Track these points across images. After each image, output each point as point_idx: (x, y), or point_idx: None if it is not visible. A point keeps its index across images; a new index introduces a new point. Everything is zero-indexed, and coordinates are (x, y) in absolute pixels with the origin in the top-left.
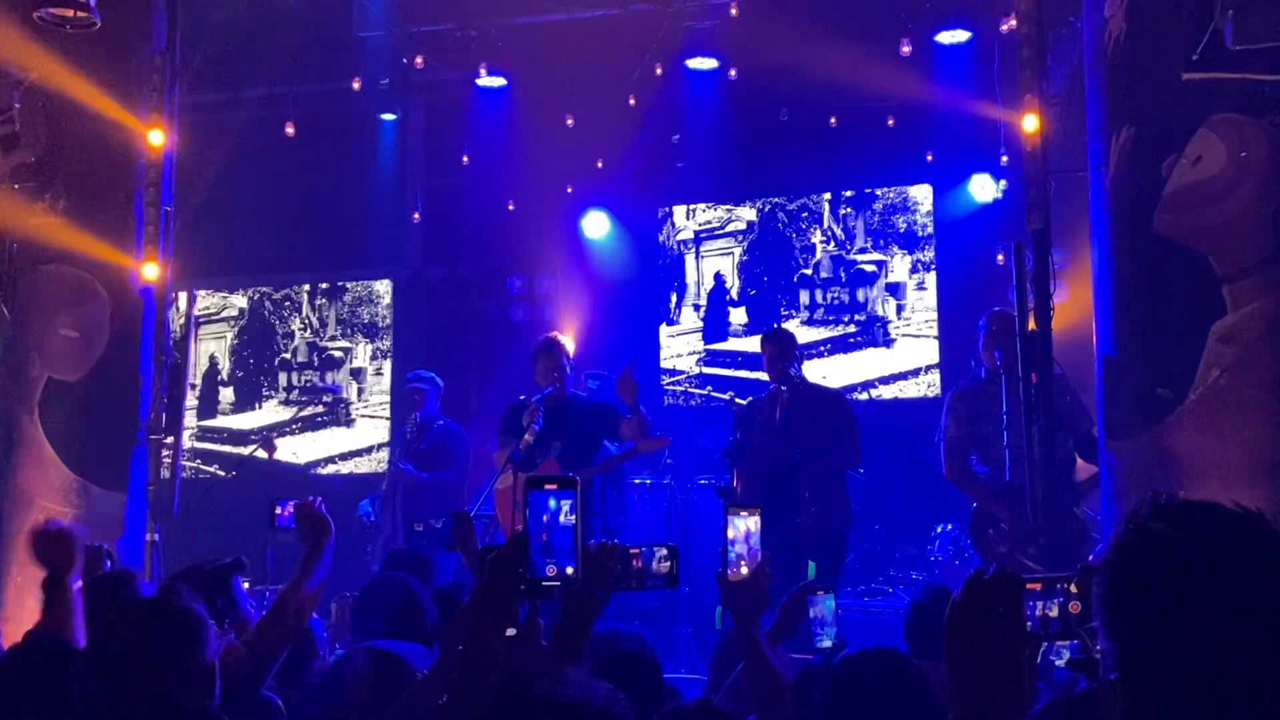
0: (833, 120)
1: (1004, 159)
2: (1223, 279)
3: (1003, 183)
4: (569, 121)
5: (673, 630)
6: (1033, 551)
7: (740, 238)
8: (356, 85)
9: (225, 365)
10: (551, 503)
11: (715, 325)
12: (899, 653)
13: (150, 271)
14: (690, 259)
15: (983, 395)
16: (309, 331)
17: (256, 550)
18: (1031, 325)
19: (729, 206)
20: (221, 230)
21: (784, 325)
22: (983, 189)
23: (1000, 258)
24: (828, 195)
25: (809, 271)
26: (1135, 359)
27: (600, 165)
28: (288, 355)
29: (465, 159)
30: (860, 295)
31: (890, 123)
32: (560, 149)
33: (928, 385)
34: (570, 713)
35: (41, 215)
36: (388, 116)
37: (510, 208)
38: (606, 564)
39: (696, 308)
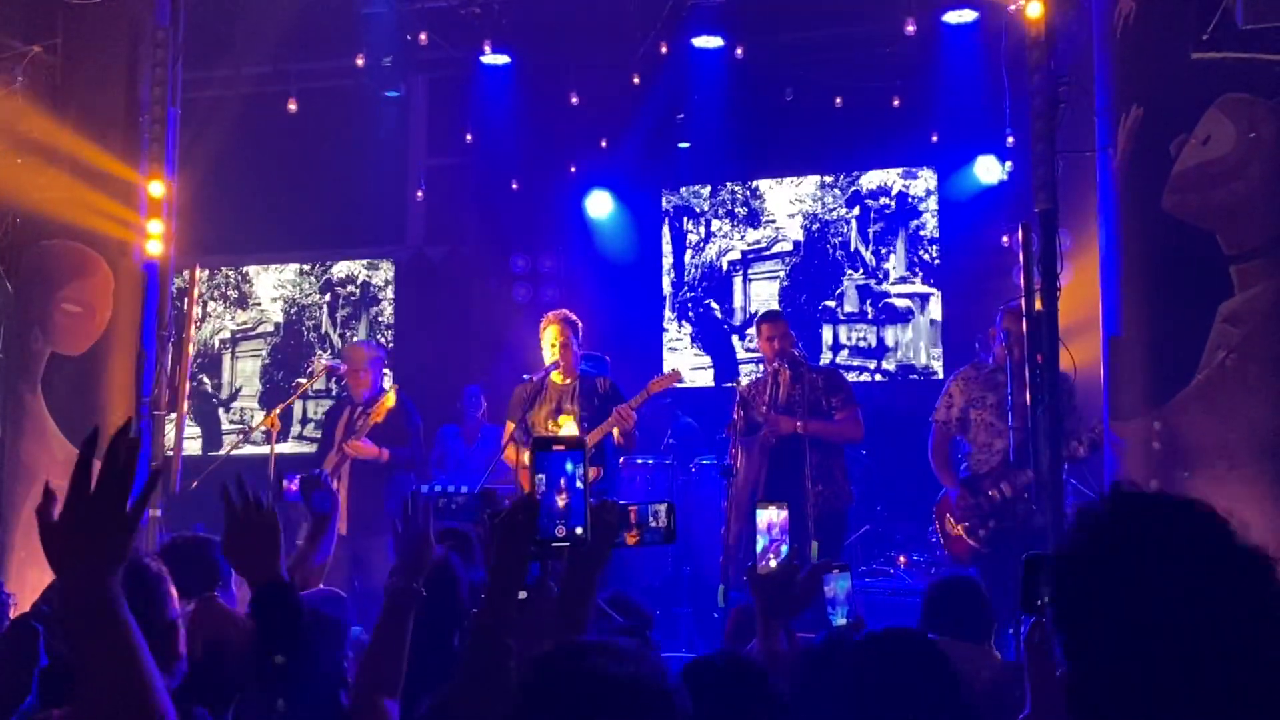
0: (838, 100)
1: (1010, 140)
2: (1230, 259)
3: (1008, 164)
4: (573, 100)
5: (673, 610)
6: (993, 525)
7: (785, 259)
8: (360, 62)
9: (256, 387)
10: (562, 464)
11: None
12: (923, 633)
13: (154, 247)
14: (738, 281)
15: (986, 382)
16: (329, 352)
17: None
18: (1038, 306)
19: (777, 225)
20: (222, 208)
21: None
22: (988, 171)
23: (1005, 239)
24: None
25: (832, 303)
26: (1141, 339)
27: (604, 145)
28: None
29: (468, 137)
30: (890, 337)
31: (896, 103)
32: (564, 128)
33: (893, 334)
34: (622, 689)
35: (45, 189)
36: (391, 94)
37: (514, 186)
38: (606, 519)
39: (742, 334)
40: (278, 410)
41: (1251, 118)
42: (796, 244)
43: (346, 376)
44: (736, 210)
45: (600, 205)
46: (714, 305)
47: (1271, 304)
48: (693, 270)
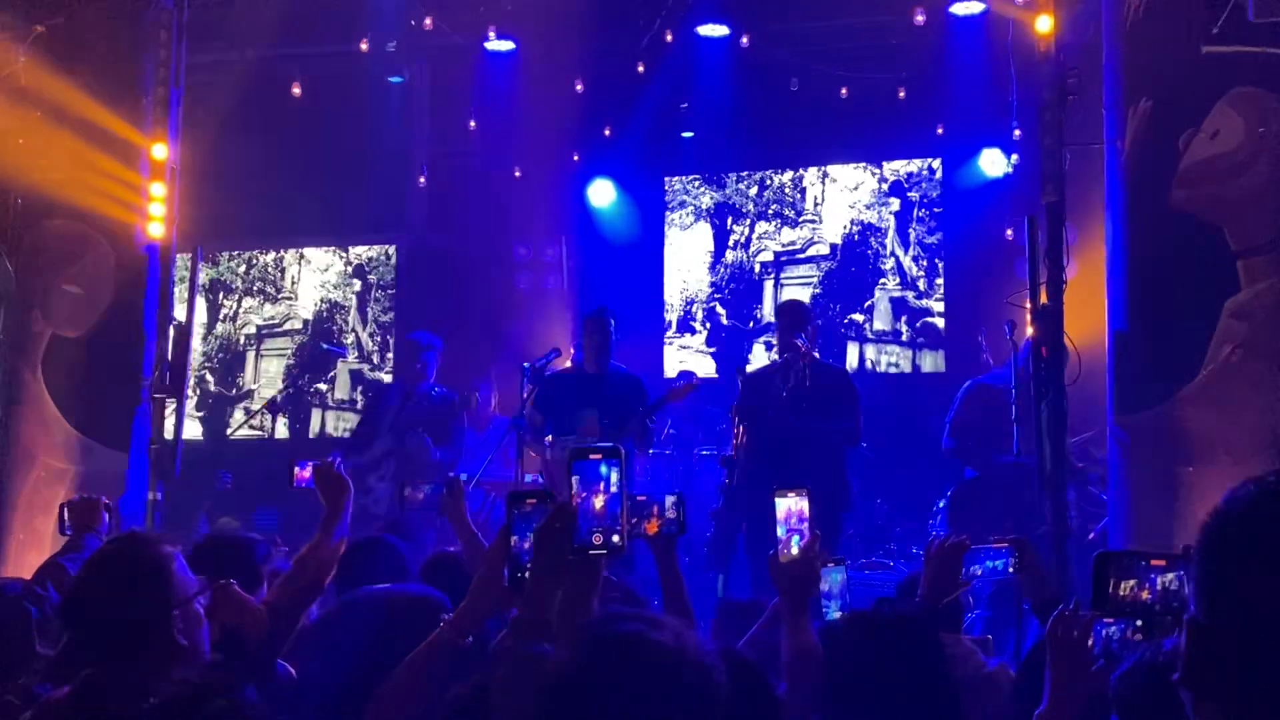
0: (844, 91)
1: (1016, 133)
2: (1237, 254)
3: (1014, 157)
4: (577, 87)
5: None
6: (1009, 525)
7: (820, 264)
8: (364, 46)
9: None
10: (598, 471)
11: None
12: (915, 614)
13: (155, 230)
14: (769, 285)
15: (1006, 392)
16: (357, 356)
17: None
18: (1043, 300)
19: (814, 225)
20: (223, 192)
21: None
22: (993, 163)
23: (1009, 232)
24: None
25: (860, 317)
26: (1147, 334)
27: (608, 133)
28: (324, 388)
29: (472, 124)
30: (929, 363)
31: (901, 94)
32: (567, 115)
33: (932, 360)
34: (662, 657)
35: (47, 170)
36: (394, 79)
37: (516, 174)
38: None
39: (768, 345)
40: (275, 396)
41: (1261, 112)
42: (834, 247)
43: (406, 365)
44: (779, 204)
45: (603, 194)
46: (721, 311)
47: (1278, 299)
48: (722, 271)
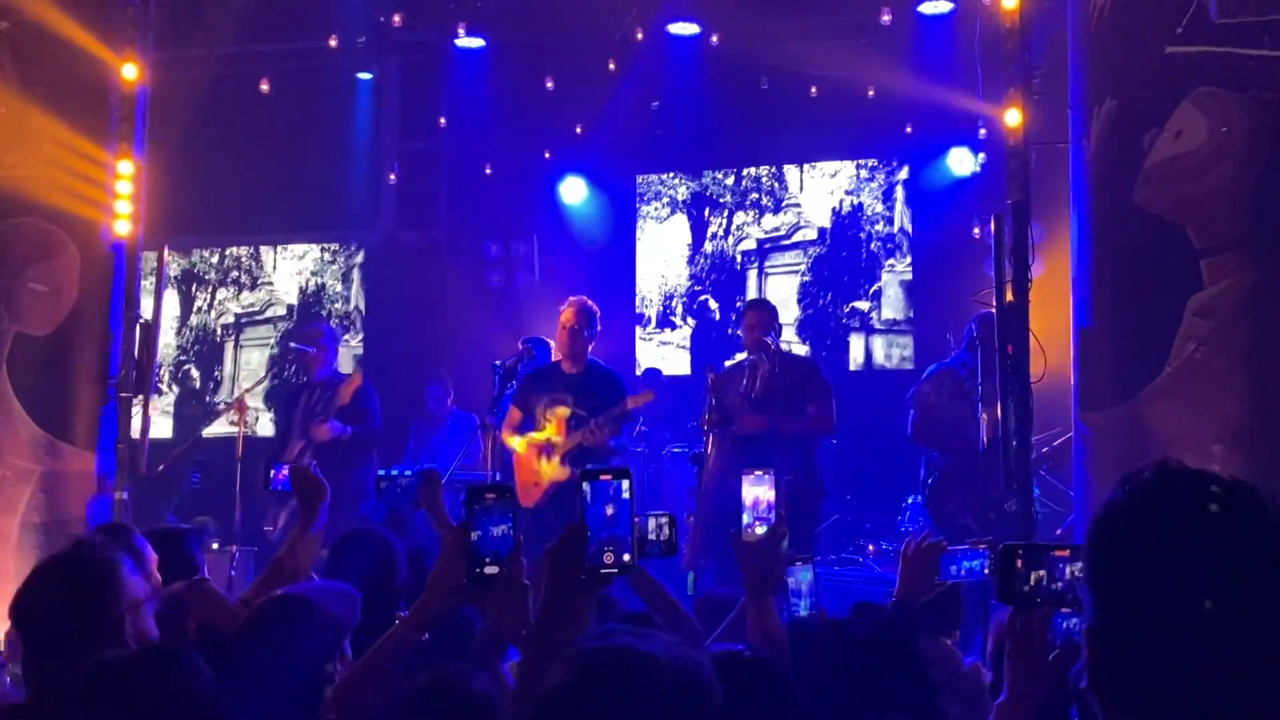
0: (813, 90)
1: (982, 132)
2: (1201, 253)
3: (981, 156)
4: (548, 85)
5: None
6: (994, 517)
7: (808, 250)
8: (333, 43)
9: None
10: (609, 492)
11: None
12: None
13: (122, 227)
14: (753, 275)
15: (972, 378)
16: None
17: (225, 511)
18: (1009, 297)
19: (797, 209)
20: (191, 189)
21: None
22: (961, 162)
23: (976, 231)
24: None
25: (865, 305)
26: (1112, 331)
27: (579, 130)
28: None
29: (442, 121)
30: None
31: (870, 93)
32: (538, 113)
33: (901, 357)
34: (653, 666)
35: (12, 168)
36: (364, 76)
37: (487, 171)
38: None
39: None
40: (245, 393)
41: (1224, 112)
42: (822, 232)
43: (302, 358)
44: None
45: (574, 191)
46: (714, 305)
47: (1241, 298)
48: (701, 262)
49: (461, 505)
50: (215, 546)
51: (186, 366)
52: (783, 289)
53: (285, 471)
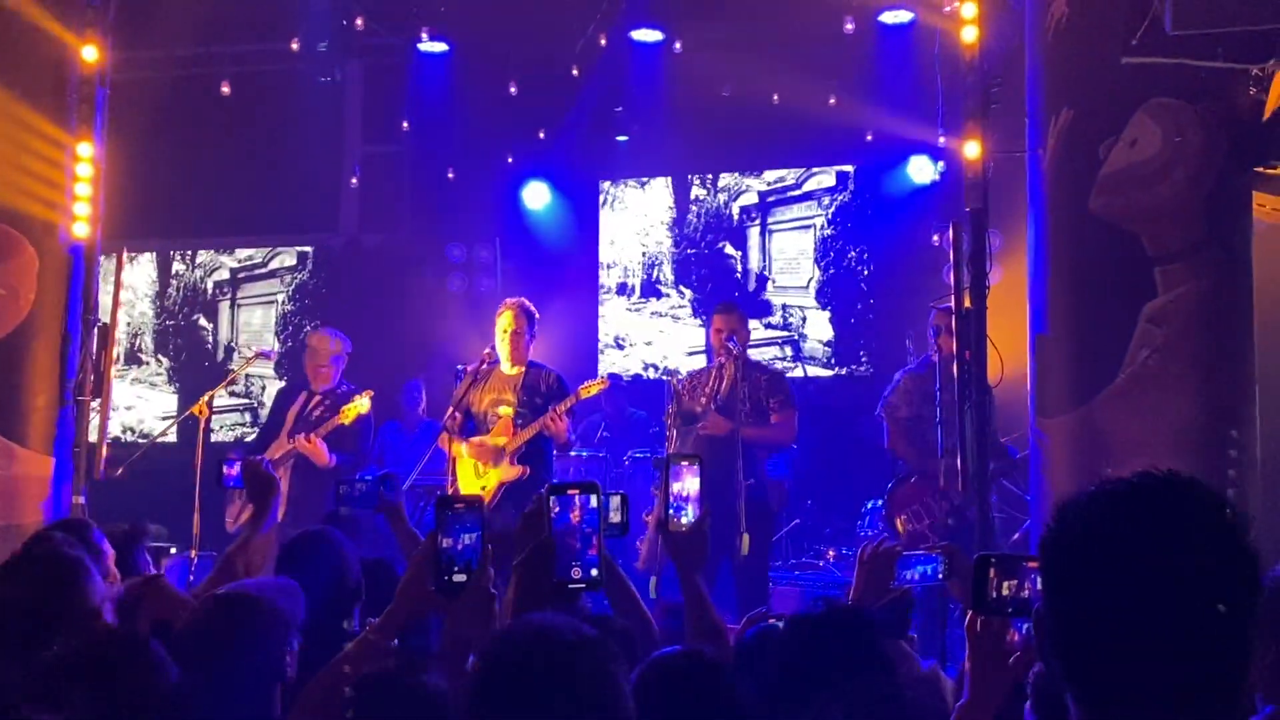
0: (775, 97)
1: (942, 140)
2: (1154, 261)
3: (940, 164)
4: (512, 90)
5: (603, 602)
6: (951, 523)
7: (822, 201)
8: (295, 46)
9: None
10: (574, 506)
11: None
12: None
13: (80, 229)
14: (754, 232)
15: (932, 378)
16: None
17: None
18: (967, 304)
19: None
20: (151, 192)
21: None
22: (920, 170)
23: (935, 238)
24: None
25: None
26: (1068, 338)
27: (542, 135)
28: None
29: (405, 125)
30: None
31: (832, 101)
32: (501, 118)
33: (860, 363)
34: (564, 643)
35: None
36: (325, 79)
37: (450, 175)
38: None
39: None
40: (206, 398)
41: (1178, 122)
42: (841, 175)
43: (307, 365)
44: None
45: (537, 196)
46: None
47: (1193, 305)
48: (693, 223)
49: (422, 512)
50: (173, 551)
51: (172, 332)
52: (790, 248)
53: (237, 468)
